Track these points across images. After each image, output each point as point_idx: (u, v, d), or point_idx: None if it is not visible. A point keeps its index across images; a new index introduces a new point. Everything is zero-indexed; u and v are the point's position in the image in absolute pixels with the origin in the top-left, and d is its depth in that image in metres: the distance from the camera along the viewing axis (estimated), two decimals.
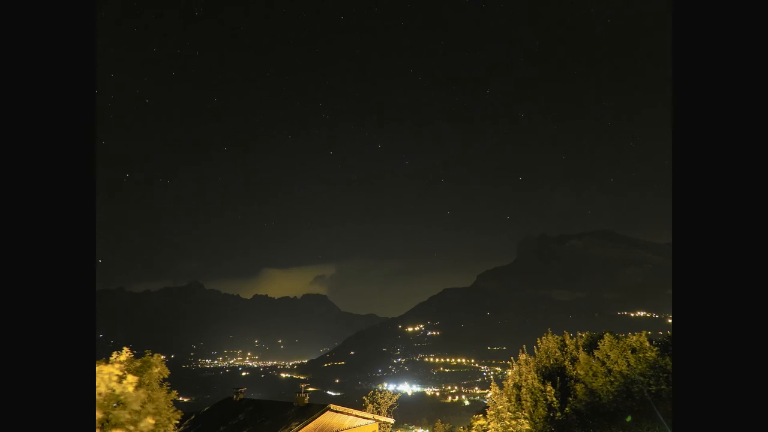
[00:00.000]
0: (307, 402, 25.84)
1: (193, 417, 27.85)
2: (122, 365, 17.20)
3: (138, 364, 19.82)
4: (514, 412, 22.61)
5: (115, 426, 15.79)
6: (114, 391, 16.05)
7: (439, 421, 51.35)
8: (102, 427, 15.58)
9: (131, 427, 16.32)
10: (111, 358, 17.44)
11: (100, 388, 15.64)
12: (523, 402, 22.42)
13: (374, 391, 35.89)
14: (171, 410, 20.33)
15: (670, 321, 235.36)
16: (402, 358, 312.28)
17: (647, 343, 20.67)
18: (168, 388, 21.34)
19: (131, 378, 16.76)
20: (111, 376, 16.05)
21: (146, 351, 21.51)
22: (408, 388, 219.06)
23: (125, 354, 17.95)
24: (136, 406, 16.54)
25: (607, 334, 21.98)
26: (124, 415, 16.06)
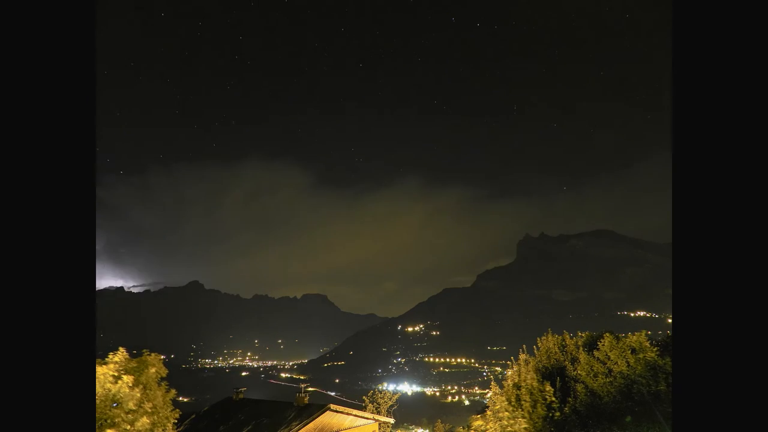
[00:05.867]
0: (307, 402, 25.84)
1: (193, 416, 27.85)
2: (117, 365, 17.20)
3: (134, 363, 19.83)
4: (512, 412, 22.60)
5: (111, 426, 15.81)
6: (110, 391, 16.06)
7: (439, 421, 51.32)
8: (99, 427, 15.60)
9: (128, 427, 16.34)
10: (107, 359, 17.44)
11: (96, 388, 15.64)
12: (522, 402, 22.41)
13: (374, 391, 35.84)
14: (168, 409, 20.33)
15: (670, 321, 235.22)
16: (402, 358, 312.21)
17: (647, 344, 20.65)
18: (167, 387, 21.36)
19: (127, 378, 16.77)
20: (106, 376, 16.06)
21: (144, 350, 21.52)
22: (408, 388, 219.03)
23: (120, 354, 17.94)
24: (132, 406, 16.54)
25: (607, 334, 21.96)
26: (120, 415, 16.08)
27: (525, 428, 21.90)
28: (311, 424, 23.68)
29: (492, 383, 25.02)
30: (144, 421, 16.85)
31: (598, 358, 21.46)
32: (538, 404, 21.94)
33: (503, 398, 23.30)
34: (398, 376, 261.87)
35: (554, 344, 25.04)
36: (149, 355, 21.29)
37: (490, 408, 24.04)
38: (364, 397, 35.05)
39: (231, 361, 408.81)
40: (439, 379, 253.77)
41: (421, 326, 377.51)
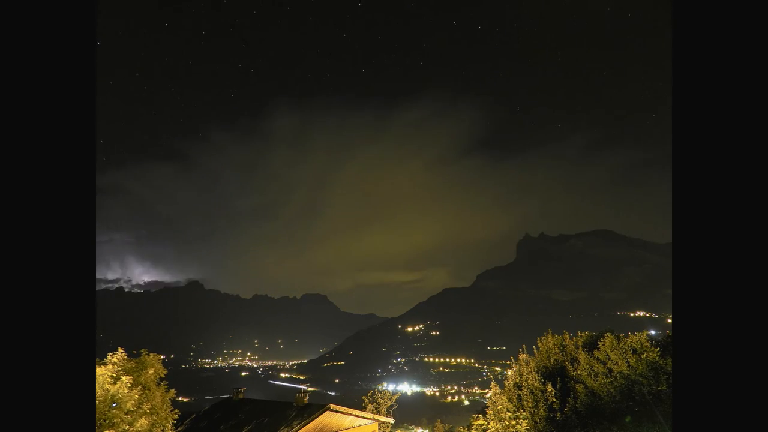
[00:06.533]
0: (306, 402, 25.83)
1: (193, 416, 27.85)
2: (116, 366, 17.20)
3: (132, 364, 19.84)
4: (514, 412, 22.58)
5: (110, 426, 15.82)
6: (109, 391, 16.06)
7: (439, 421, 51.33)
8: (98, 428, 15.61)
9: (126, 427, 16.35)
10: (106, 359, 17.45)
11: (95, 388, 15.65)
12: (524, 402, 22.40)
13: (374, 391, 35.78)
14: (167, 410, 20.34)
15: (670, 321, 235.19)
16: (402, 358, 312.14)
17: (648, 344, 20.63)
18: (166, 387, 21.37)
19: (125, 379, 16.79)
20: (105, 376, 16.06)
21: (142, 351, 21.51)
22: (408, 388, 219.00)
23: (119, 354, 17.94)
24: (131, 407, 16.55)
25: (608, 334, 21.93)
26: (119, 416, 16.09)
27: (527, 429, 21.89)
28: (311, 424, 23.68)
29: (492, 383, 24.98)
30: (143, 422, 16.85)
31: (598, 358, 21.44)
32: (540, 404, 21.93)
33: (505, 398, 23.28)
34: (398, 376, 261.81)
35: (554, 344, 25.03)
36: (148, 355, 21.29)
37: (491, 408, 24.01)
38: (363, 397, 34.98)
39: (231, 361, 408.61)
40: (439, 379, 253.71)
41: (421, 326, 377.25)
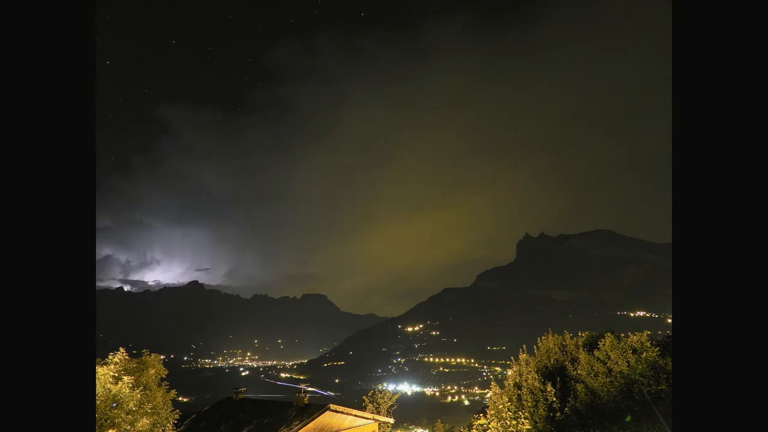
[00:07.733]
0: (306, 402, 25.84)
1: (193, 416, 27.85)
2: (117, 366, 17.26)
3: (134, 364, 19.90)
4: (515, 412, 22.58)
5: (112, 426, 15.86)
6: (110, 391, 16.10)
7: (439, 421, 51.35)
8: (99, 427, 15.63)
9: (128, 427, 16.39)
10: (107, 359, 17.50)
11: (96, 388, 15.69)
12: (524, 402, 22.40)
13: (374, 391, 35.79)
14: (168, 410, 20.40)
15: (670, 321, 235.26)
16: (402, 358, 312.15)
17: (648, 344, 20.64)
18: (167, 387, 21.42)
19: (127, 379, 16.85)
20: (106, 376, 16.11)
21: (143, 351, 21.57)
22: (408, 388, 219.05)
23: (120, 354, 17.98)
24: (133, 407, 16.61)
25: (608, 334, 21.95)
26: (120, 415, 16.14)
27: (528, 429, 21.89)
28: (311, 424, 23.69)
29: (492, 383, 24.97)
30: (144, 422, 16.89)
31: (598, 358, 21.45)
32: (540, 404, 21.93)
33: (506, 398, 23.28)
34: (398, 376, 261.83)
35: (554, 344, 25.03)
36: (149, 355, 21.35)
37: (491, 408, 24.00)
38: (364, 397, 34.98)
39: (231, 361, 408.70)
40: (439, 379, 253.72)
41: (421, 326, 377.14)
